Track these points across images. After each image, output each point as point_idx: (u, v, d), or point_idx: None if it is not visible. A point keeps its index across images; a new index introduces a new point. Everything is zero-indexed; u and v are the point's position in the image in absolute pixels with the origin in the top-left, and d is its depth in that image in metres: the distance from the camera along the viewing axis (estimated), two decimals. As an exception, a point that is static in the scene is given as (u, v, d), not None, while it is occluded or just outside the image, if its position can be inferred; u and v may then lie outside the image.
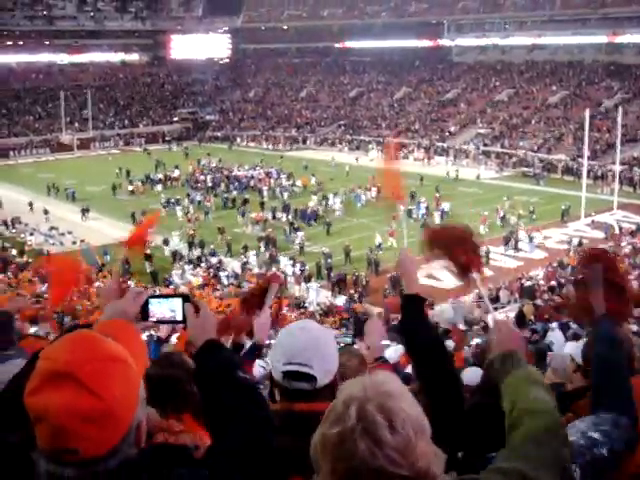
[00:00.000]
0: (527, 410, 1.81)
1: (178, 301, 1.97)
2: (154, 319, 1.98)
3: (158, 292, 19.55)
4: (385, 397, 1.31)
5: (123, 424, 1.43)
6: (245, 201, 40.59)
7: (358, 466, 1.26)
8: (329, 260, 29.83)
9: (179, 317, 1.95)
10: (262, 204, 40.26)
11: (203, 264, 31.07)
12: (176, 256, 31.96)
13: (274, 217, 38.03)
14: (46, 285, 23.12)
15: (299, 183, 46.17)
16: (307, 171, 49.57)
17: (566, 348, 5.34)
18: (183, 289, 26.65)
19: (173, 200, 41.29)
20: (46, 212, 38.00)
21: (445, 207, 37.05)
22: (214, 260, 31.19)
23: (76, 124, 71.03)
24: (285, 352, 2.04)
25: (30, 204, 40.11)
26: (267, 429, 1.77)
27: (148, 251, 32.11)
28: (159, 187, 47.25)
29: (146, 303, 1.95)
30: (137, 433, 1.48)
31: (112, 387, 1.40)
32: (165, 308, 1.97)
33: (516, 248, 32.04)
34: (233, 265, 31.07)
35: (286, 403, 2.02)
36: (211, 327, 1.93)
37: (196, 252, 32.60)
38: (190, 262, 31.19)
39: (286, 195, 43.19)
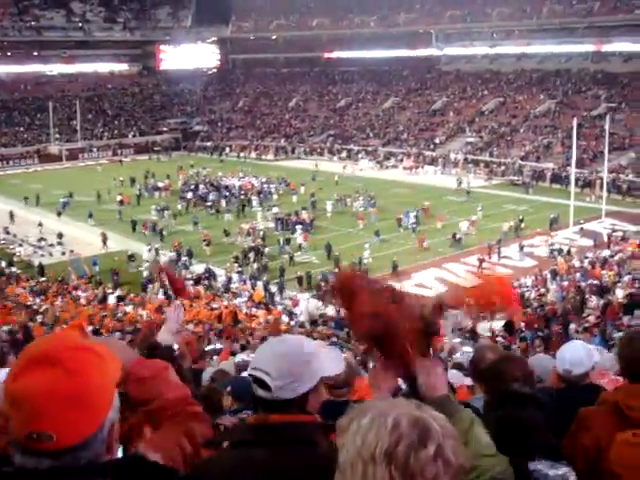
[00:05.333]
0: (481, 453, 1.90)
1: None
2: None
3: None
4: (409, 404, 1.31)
5: (98, 414, 1.44)
6: (229, 210, 41.41)
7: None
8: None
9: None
10: (243, 207, 41.73)
11: (190, 275, 31.02)
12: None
13: (281, 227, 38.06)
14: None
15: (277, 188, 46.98)
16: (315, 181, 50.11)
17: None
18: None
19: (159, 208, 41.48)
20: (61, 236, 36.01)
21: (464, 226, 35.44)
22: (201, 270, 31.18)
23: (64, 134, 70.87)
24: (255, 357, 2.12)
25: (40, 224, 37.71)
26: None
27: (130, 252, 32.50)
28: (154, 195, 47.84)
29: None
30: (110, 432, 1.49)
31: (90, 373, 1.43)
32: None
33: (499, 255, 32.09)
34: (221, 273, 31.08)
35: (262, 415, 2.01)
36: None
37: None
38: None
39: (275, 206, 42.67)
